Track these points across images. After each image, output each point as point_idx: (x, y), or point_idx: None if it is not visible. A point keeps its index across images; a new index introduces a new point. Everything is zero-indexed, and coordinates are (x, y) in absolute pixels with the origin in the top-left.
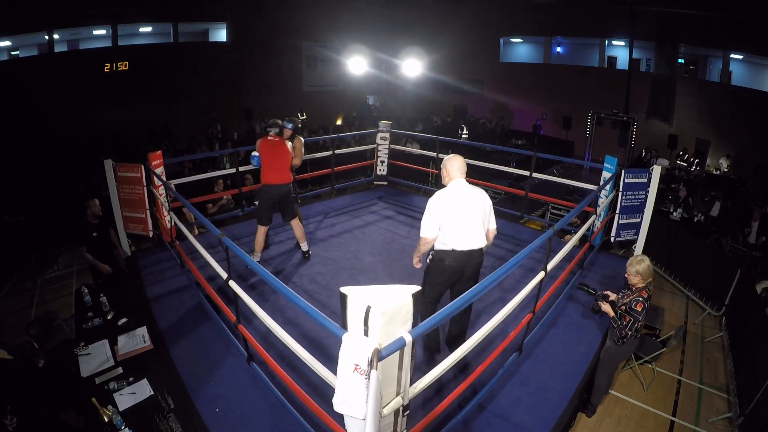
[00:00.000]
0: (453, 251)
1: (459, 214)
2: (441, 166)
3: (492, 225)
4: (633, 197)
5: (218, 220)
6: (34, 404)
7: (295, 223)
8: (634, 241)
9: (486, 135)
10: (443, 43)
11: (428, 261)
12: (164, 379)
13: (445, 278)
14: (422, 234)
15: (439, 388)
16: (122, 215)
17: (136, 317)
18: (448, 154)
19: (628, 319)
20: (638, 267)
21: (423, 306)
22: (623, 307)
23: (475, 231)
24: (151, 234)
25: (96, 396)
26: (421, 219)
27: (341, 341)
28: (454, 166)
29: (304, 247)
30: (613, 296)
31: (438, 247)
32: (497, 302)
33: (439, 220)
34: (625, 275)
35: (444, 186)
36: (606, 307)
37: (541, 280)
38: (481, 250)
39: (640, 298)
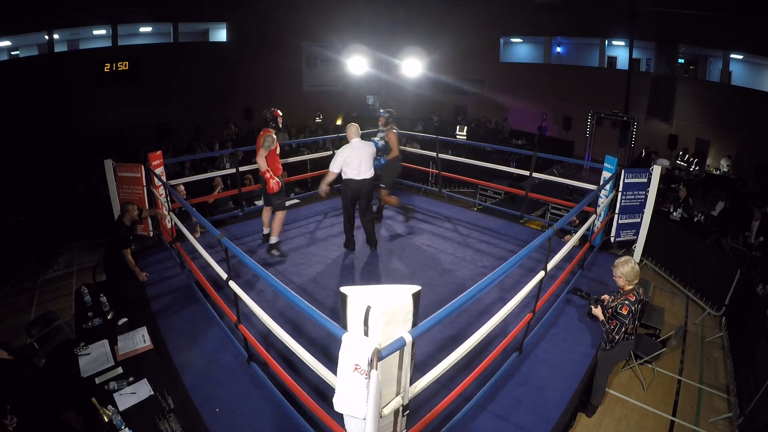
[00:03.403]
0: (352, 180)
1: (356, 158)
2: (346, 130)
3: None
4: (633, 197)
5: (218, 220)
6: (34, 404)
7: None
8: (634, 241)
9: (486, 135)
10: (443, 43)
11: (339, 189)
12: (164, 379)
13: (350, 196)
14: (330, 169)
15: (439, 388)
16: None
17: (136, 317)
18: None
19: (614, 323)
20: (622, 269)
21: (346, 218)
22: (610, 311)
23: (365, 168)
24: (151, 234)
25: (96, 396)
26: (421, 218)
27: (341, 341)
28: (352, 131)
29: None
30: (606, 298)
31: (344, 177)
32: (497, 302)
33: (341, 162)
34: (613, 278)
35: (348, 142)
36: (597, 311)
37: (541, 280)
38: (370, 179)
39: (626, 302)
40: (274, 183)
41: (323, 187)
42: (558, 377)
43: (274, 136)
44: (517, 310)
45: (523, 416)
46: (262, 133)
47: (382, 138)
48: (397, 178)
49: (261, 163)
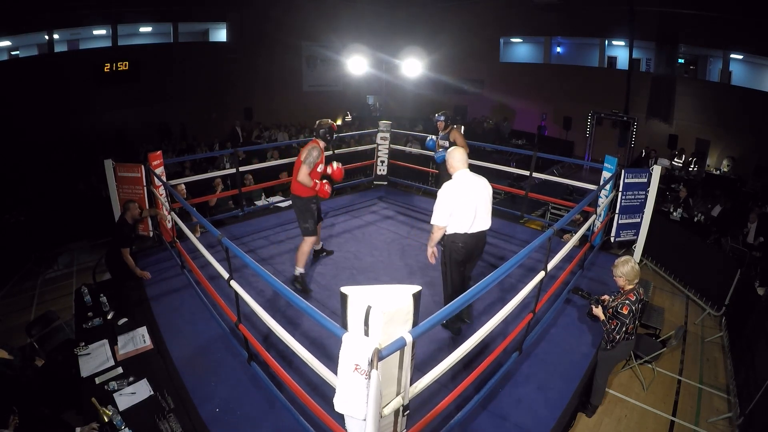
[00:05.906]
0: (465, 234)
1: (468, 202)
2: (447, 156)
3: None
4: (633, 197)
5: (218, 219)
6: (34, 404)
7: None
8: (634, 241)
9: (484, 134)
10: (443, 43)
11: (442, 248)
12: (164, 379)
13: (461, 257)
14: (435, 222)
15: (439, 388)
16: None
17: (136, 317)
18: None
19: (615, 323)
20: (623, 269)
21: (451, 287)
22: (610, 311)
23: (483, 215)
24: (151, 234)
25: (96, 396)
26: (421, 218)
27: (341, 341)
28: (457, 158)
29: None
30: (607, 298)
31: (451, 231)
32: (497, 302)
33: (450, 208)
34: (613, 278)
35: (450, 177)
36: (597, 311)
37: (542, 280)
38: (485, 231)
39: (627, 301)
40: (328, 187)
41: (430, 252)
42: (558, 377)
43: (321, 148)
44: (517, 310)
45: (523, 416)
46: (308, 144)
47: (444, 139)
48: None
49: (306, 181)
